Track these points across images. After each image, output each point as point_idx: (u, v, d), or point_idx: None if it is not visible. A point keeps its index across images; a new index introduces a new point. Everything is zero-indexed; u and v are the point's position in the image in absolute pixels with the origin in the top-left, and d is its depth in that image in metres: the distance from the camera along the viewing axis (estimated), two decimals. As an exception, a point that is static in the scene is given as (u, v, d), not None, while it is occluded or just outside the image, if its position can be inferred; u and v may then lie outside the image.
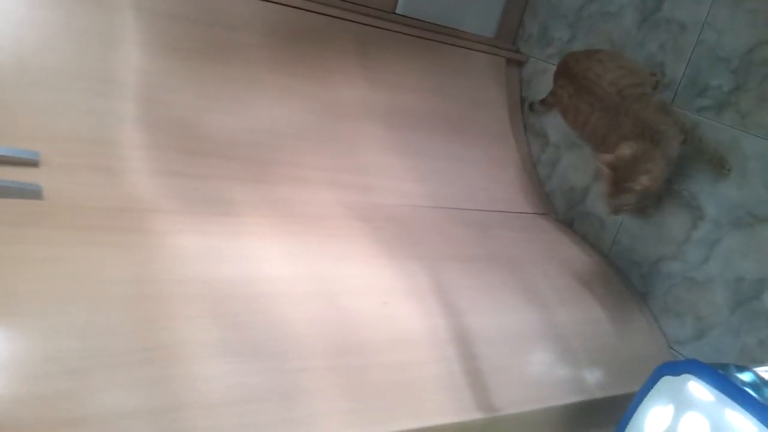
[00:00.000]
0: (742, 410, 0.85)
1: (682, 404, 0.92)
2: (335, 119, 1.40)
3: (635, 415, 0.97)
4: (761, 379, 0.90)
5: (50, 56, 1.11)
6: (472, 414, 0.99)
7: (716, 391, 0.88)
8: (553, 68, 1.67)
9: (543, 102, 1.63)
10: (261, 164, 1.25)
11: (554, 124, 1.68)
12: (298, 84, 1.38)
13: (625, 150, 1.22)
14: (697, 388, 0.91)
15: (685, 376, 0.92)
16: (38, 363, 0.77)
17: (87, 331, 0.82)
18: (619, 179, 1.22)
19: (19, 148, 1.00)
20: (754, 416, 0.83)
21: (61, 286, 0.85)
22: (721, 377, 0.88)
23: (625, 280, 1.45)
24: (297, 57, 1.41)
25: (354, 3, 1.50)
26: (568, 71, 1.39)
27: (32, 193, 0.94)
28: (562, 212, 1.64)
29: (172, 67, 1.23)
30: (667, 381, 0.95)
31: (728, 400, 0.86)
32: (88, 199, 1.00)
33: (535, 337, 1.16)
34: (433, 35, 1.62)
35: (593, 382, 1.16)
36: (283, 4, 1.39)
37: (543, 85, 1.72)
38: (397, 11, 1.58)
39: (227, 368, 0.86)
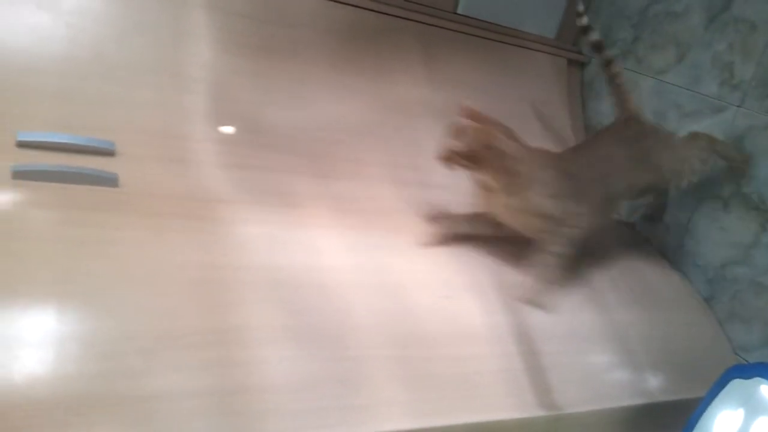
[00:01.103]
0: (818, 415, 0.82)
1: (754, 408, 0.89)
2: (396, 117, 1.41)
3: (702, 419, 0.95)
4: (838, 383, 0.87)
5: (126, 51, 1.16)
6: (533, 411, 0.98)
7: (790, 396, 0.85)
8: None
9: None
10: (323, 159, 1.27)
11: (616, 126, 1.65)
12: (359, 82, 1.40)
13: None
14: (769, 392, 0.88)
15: (756, 379, 0.90)
16: (110, 342, 0.80)
17: (156, 312, 0.85)
18: None
19: (97, 138, 1.04)
20: (831, 421, 0.80)
21: (134, 269, 0.88)
22: (795, 381, 0.86)
23: (689, 284, 1.41)
24: (359, 56, 1.42)
25: (415, 2, 1.51)
26: None
27: (109, 180, 0.98)
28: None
29: (240, 63, 1.27)
30: (736, 384, 0.93)
31: (803, 405, 0.83)
32: (159, 188, 1.04)
33: (596, 338, 1.14)
34: (494, 35, 1.62)
35: (655, 385, 1.14)
36: (346, 4, 1.41)
37: (605, 87, 1.69)
38: (458, 11, 1.58)
39: (289, 353, 0.88)
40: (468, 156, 1.06)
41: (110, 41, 1.15)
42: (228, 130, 1.19)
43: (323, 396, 0.86)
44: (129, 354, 0.79)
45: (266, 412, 0.82)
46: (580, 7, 1.41)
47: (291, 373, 0.86)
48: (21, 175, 0.94)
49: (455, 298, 1.06)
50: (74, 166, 0.97)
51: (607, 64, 1.38)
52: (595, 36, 1.39)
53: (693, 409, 0.97)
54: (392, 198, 1.27)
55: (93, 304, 0.82)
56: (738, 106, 1.35)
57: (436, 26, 1.53)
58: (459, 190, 1.37)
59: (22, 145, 0.98)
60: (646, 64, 1.59)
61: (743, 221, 1.32)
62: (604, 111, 1.70)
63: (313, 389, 0.86)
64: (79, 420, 0.72)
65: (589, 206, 1.15)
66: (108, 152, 1.04)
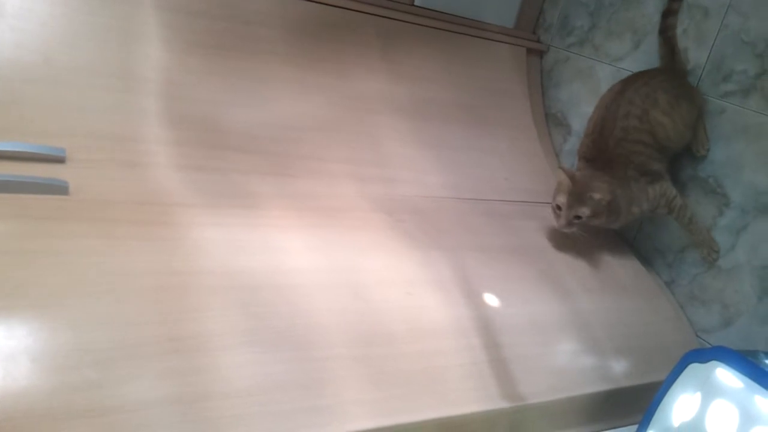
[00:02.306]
0: (772, 397, 0.84)
1: (710, 392, 0.91)
2: (356, 112, 1.40)
3: (662, 403, 0.97)
4: (791, 365, 0.89)
5: (74, 54, 1.13)
6: (497, 403, 0.99)
7: (745, 378, 0.87)
8: (575, 57, 1.67)
9: None
10: (282, 158, 1.26)
11: (576, 113, 1.67)
12: (318, 78, 1.39)
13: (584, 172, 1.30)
14: (725, 375, 0.90)
15: (712, 363, 0.92)
16: (66, 354, 0.78)
17: (113, 322, 0.83)
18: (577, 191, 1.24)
19: (46, 145, 1.01)
20: (784, 402, 0.82)
21: (88, 278, 0.87)
22: (749, 364, 0.87)
23: (650, 268, 1.43)
24: (317, 51, 1.41)
25: (372, -4, 1.51)
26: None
27: (59, 188, 0.96)
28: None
29: (194, 62, 1.25)
30: (694, 368, 0.94)
31: (757, 387, 0.85)
32: (113, 193, 1.02)
33: (559, 326, 1.16)
34: (453, 26, 1.61)
35: (619, 370, 1.15)
36: (302, -1, 1.40)
37: (564, 75, 1.71)
38: (416, 3, 1.57)
39: (252, 358, 0.87)
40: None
41: (58, 44, 1.12)
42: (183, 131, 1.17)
43: (287, 399, 0.86)
44: (85, 366, 0.77)
45: (230, 418, 0.81)
46: None
47: (254, 377, 0.86)
48: (-33, 186, 0.91)
49: (417, 294, 1.06)
50: (23, 175, 0.94)
51: (669, 14, 1.40)
52: None
53: (657, 392, 0.99)
54: (354, 195, 1.26)
55: (46, 317, 0.80)
56: (693, 92, 1.37)
57: (394, 19, 1.52)
58: (422, 185, 1.37)
59: (-32, 154, 0.96)
60: (603, 51, 1.60)
61: (701, 205, 1.35)
62: (564, 99, 1.71)
63: (277, 392, 0.86)
64: (34, 437, 0.70)
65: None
66: (58, 159, 1.02)
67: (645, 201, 1.29)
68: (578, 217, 1.24)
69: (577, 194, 1.23)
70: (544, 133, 1.71)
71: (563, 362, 1.11)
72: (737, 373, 0.88)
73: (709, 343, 1.32)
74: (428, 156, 1.44)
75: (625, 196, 1.26)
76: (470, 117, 1.57)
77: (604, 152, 1.30)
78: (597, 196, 1.22)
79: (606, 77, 1.59)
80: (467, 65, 1.63)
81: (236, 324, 0.90)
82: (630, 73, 1.45)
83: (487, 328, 1.07)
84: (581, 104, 1.66)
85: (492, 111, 1.63)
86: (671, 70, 1.36)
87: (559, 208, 1.26)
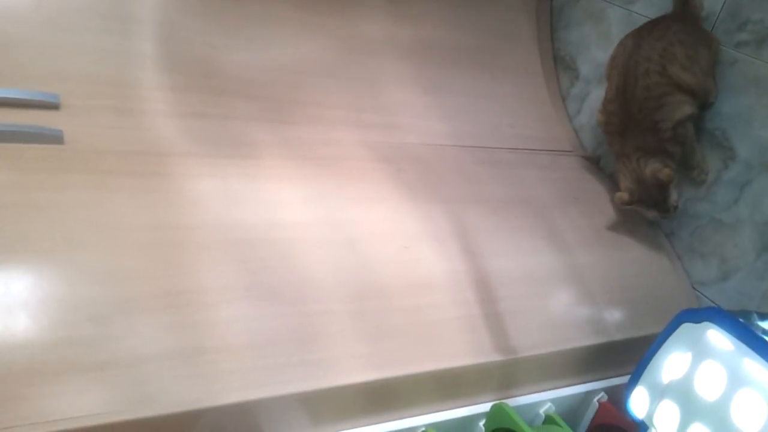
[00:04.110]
0: (761, 359, 0.84)
1: (701, 352, 0.92)
2: (357, 55, 1.37)
3: (653, 361, 0.98)
4: (784, 328, 0.90)
5: (66, -6, 1.10)
6: (490, 356, 1.01)
7: (736, 340, 0.87)
8: (586, -3, 1.60)
9: None
10: (281, 103, 1.23)
11: (585, 56, 1.62)
12: (319, 19, 1.35)
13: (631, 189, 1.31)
14: (716, 337, 0.90)
15: (705, 323, 0.92)
16: (61, 309, 0.79)
17: (108, 277, 0.84)
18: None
19: (39, 91, 1.00)
20: (772, 366, 0.83)
21: (83, 232, 0.87)
22: (741, 326, 0.88)
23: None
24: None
25: (377, -69, 1.44)
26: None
27: (53, 138, 0.95)
28: (591, 149, 1.60)
29: (190, 3, 1.21)
30: (687, 328, 0.95)
31: (747, 349, 0.86)
32: (108, 142, 1.01)
33: (555, 279, 1.16)
34: (460, -37, 1.55)
35: (613, 323, 1.17)
36: (303, -66, 1.34)
37: (574, 16, 1.65)
38: (422, -62, 1.51)
39: (247, 313, 0.88)
40: None
41: (48, -16, 1.09)
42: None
43: (282, 353, 0.87)
44: (81, 321, 0.79)
45: (226, 372, 0.83)
46: None
47: (249, 331, 0.87)
48: (-44, 135, 0.90)
49: (414, 248, 1.07)
50: (15, 124, 0.93)
51: None
52: None
53: (650, 345, 0.99)
54: (354, 143, 1.24)
55: (40, 272, 0.81)
56: (705, 40, 1.32)
57: (398, -44, 1.46)
58: (423, 132, 1.35)
59: (-44, 101, 0.94)
60: (616, -7, 1.54)
61: (706, 157, 1.33)
62: (573, 41, 1.66)
63: (271, 346, 0.87)
64: (31, 392, 0.72)
65: None
66: (52, 105, 1.00)
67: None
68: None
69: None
70: (551, 77, 1.67)
71: (557, 316, 1.12)
72: (728, 335, 0.88)
73: (706, 296, 1.32)
74: (430, 102, 1.41)
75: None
76: (474, 60, 1.53)
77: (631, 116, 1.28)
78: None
79: (617, 21, 1.53)
80: (473, 5, 1.57)
81: (231, 279, 0.91)
82: (643, 19, 1.40)
83: (482, 281, 1.08)
84: (591, 48, 1.60)
85: (497, 54, 1.59)
86: (685, 17, 1.31)
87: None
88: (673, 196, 1.26)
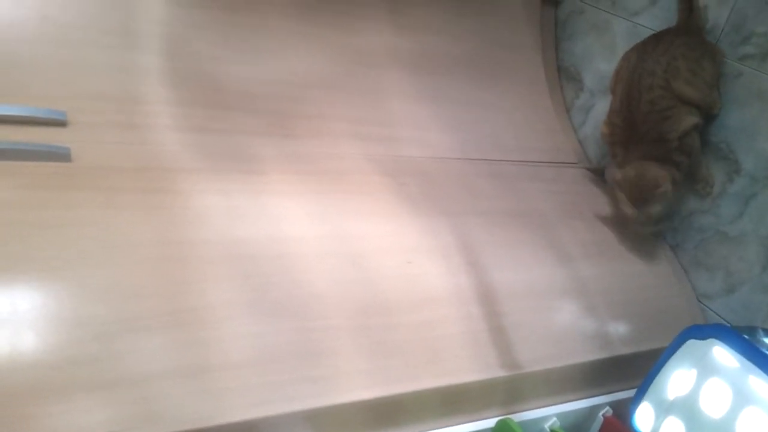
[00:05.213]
0: (767, 377, 0.84)
1: (706, 369, 0.92)
2: (360, 67, 1.37)
3: (658, 377, 0.98)
4: (789, 345, 0.89)
5: (73, 11, 1.10)
6: (495, 371, 1.01)
7: (741, 357, 0.87)
8: (591, 9, 1.61)
9: None
10: (284, 117, 1.24)
11: (590, 68, 1.62)
12: (321, 31, 1.35)
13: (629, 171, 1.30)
14: (722, 354, 0.90)
15: (710, 341, 0.92)
16: (66, 328, 0.79)
17: (114, 295, 0.84)
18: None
19: (47, 108, 1.00)
20: (777, 385, 0.82)
21: (90, 250, 0.87)
22: (746, 343, 0.88)
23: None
24: (320, 3, 1.37)
25: (380, -57, 1.44)
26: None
27: (61, 156, 0.95)
28: (595, 160, 1.60)
29: (194, 17, 1.21)
30: (692, 345, 0.95)
31: (753, 367, 0.86)
32: (114, 159, 1.01)
33: (560, 293, 1.16)
34: (463, -26, 1.56)
35: (618, 337, 1.16)
36: (306, -52, 1.35)
37: (579, 27, 1.65)
38: (426, -50, 1.51)
39: (251, 329, 0.88)
40: None
41: (55, 2, 1.09)
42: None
43: (286, 369, 0.87)
44: (86, 340, 0.79)
45: (231, 389, 0.83)
46: None
47: (253, 348, 0.87)
48: (-36, 153, 0.91)
49: (418, 262, 1.07)
50: (23, 142, 0.93)
51: None
52: None
53: (656, 359, 0.99)
54: (357, 156, 1.25)
55: (46, 290, 0.81)
56: (710, 52, 1.32)
57: (401, -33, 1.47)
58: (426, 145, 1.35)
59: (-35, 119, 0.95)
60: (621, 6, 1.54)
61: (711, 170, 1.32)
62: (578, 52, 1.66)
63: (276, 363, 0.87)
64: (38, 410, 0.72)
65: None
66: (59, 123, 1.00)
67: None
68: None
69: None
70: (556, 88, 1.67)
71: (562, 330, 1.12)
72: (734, 352, 0.88)
73: (711, 309, 1.32)
74: (433, 113, 1.41)
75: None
76: (478, 71, 1.53)
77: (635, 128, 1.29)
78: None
79: (622, 33, 1.53)
80: (477, 15, 1.57)
81: (235, 295, 0.91)
82: (647, 32, 1.40)
83: (486, 296, 1.08)
84: (595, 59, 1.61)
85: (502, 65, 1.59)
86: (688, 30, 1.31)
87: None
88: (656, 208, 1.26)
